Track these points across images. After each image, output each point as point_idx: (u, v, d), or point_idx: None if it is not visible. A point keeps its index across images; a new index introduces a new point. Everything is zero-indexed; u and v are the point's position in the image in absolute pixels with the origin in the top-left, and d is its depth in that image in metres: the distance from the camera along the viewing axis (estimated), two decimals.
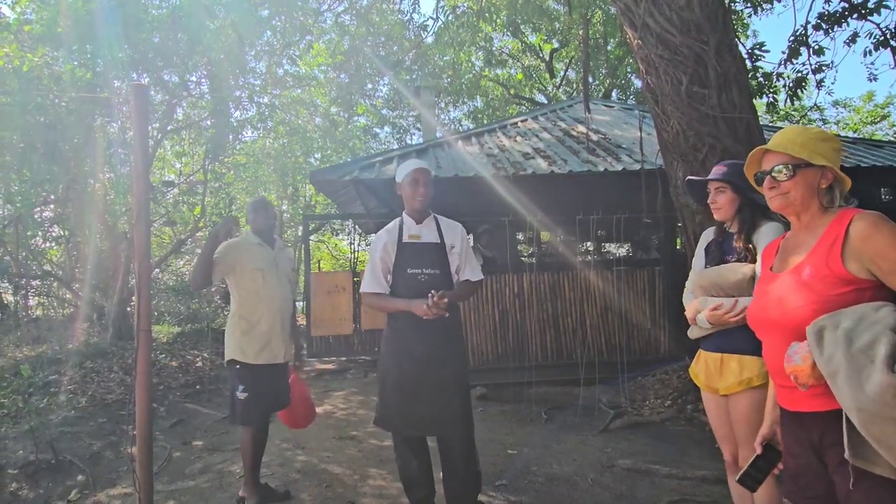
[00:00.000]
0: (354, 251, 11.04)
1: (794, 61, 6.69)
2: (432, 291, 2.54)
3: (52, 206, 9.11)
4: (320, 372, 8.33)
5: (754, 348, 2.14)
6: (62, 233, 9.93)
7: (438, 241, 2.83)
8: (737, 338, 2.20)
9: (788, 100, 6.96)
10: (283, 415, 3.58)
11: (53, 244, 10.45)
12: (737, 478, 1.76)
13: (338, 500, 3.46)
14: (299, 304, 18.55)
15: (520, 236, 11.44)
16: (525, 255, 11.62)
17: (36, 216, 9.14)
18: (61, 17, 6.22)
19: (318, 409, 3.79)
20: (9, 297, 12.51)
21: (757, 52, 6.47)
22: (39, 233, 9.74)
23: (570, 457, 4.12)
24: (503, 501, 3.38)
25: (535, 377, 5.80)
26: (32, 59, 5.93)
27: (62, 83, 6.59)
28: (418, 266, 2.75)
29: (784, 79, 6.86)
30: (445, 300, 2.53)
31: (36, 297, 12.73)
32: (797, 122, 16.02)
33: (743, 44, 6.61)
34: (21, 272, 10.31)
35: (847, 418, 1.30)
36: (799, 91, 6.81)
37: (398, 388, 2.74)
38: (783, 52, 6.72)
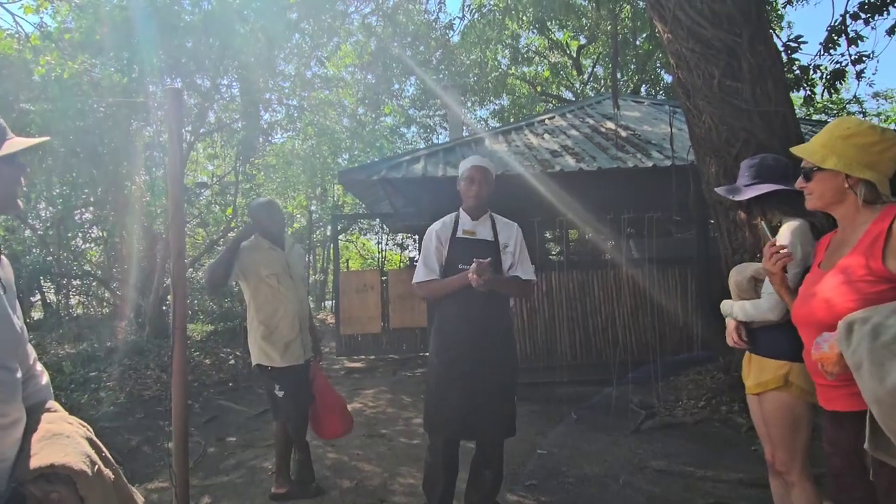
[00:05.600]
0: (382, 250, 11.13)
1: (832, 52, 6.47)
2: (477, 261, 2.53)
3: (91, 208, 9.43)
4: (349, 370, 8.41)
5: (773, 352, 2.11)
6: (101, 234, 10.27)
7: (492, 239, 2.84)
8: (757, 339, 2.19)
9: (826, 92, 6.73)
10: (320, 426, 3.57)
11: (93, 245, 10.82)
12: None
13: (368, 497, 3.49)
14: (328, 304, 18.89)
15: (548, 234, 11.36)
16: (553, 253, 11.53)
17: (76, 218, 9.49)
18: (99, 25, 6.42)
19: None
20: (51, 297, 13.01)
21: (793, 44, 6.28)
22: (80, 234, 10.11)
23: (600, 457, 4.07)
24: (533, 501, 3.36)
25: (564, 377, 5.74)
26: (72, 66, 6.14)
27: (100, 89, 6.81)
28: (470, 262, 2.69)
29: (821, 71, 6.63)
30: (488, 261, 2.53)
31: (76, 297, 13.21)
32: (835, 115, 15.49)
33: (778, 36, 6.42)
34: (62, 272, 10.72)
35: (871, 411, 1.29)
36: (837, 83, 6.59)
37: (442, 388, 2.74)
38: (820, 44, 6.51)
